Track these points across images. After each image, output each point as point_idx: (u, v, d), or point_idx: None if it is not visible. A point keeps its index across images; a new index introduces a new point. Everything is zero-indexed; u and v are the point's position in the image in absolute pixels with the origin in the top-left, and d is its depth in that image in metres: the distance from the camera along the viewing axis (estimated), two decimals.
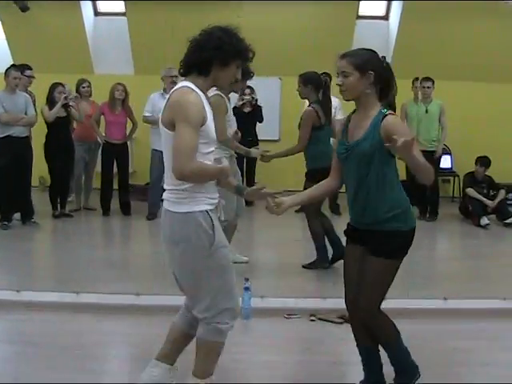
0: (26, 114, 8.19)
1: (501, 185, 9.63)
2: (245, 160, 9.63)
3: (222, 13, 10.17)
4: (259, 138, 10.10)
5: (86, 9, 10.80)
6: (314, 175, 5.98)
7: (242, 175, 9.70)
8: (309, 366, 4.35)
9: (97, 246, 7.95)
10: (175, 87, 3.46)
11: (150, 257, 7.10)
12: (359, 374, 3.88)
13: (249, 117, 9.92)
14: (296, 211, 9.28)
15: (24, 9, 9.79)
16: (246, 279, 5.27)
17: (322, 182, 3.91)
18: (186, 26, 10.08)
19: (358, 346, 3.84)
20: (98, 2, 11.03)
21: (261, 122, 10.12)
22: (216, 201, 3.54)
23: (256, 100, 10.02)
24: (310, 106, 6.50)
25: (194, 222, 3.39)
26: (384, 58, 3.64)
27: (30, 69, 8.81)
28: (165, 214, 3.49)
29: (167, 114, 3.37)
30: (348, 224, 3.77)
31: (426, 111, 9.26)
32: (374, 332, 3.74)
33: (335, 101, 9.33)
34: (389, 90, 3.61)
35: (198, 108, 3.33)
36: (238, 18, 10.07)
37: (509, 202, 10.15)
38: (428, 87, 9.19)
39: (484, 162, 9.37)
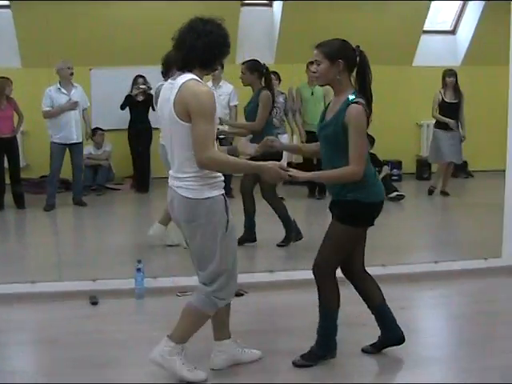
0: None
1: (385, 161, 10.11)
2: None
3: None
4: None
5: None
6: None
7: None
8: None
9: None
10: (183, 80, 3.64)
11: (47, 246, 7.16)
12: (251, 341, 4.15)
13: (142, 105, 10.20)
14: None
15: None
16: (139, 261, 5.47)
17: (314, 143, 4.34)
18: (73, 17, 10.16)
19: (368, 307, 4.33)
20: None
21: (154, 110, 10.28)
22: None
23: (150, 88, 10.13)
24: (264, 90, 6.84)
25: (215, 206, 3.73)
26: (358, 47, 4.01)
27: None
28: (181, 200, 3.74)
29: (182, 107, 3.58)
30: None
31: (312, 93, 9.59)
32: (319, 292, 4.15)
33: (230, 87, 9.66)
34: (363, 77, 4.00)
35: (213, 99, 3.64)
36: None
37: (393, 178, 10.73)
38: (313, 72, 9.47)
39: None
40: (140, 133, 10.34)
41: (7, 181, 9.21)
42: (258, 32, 10.98)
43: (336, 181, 4.02)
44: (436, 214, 9.62)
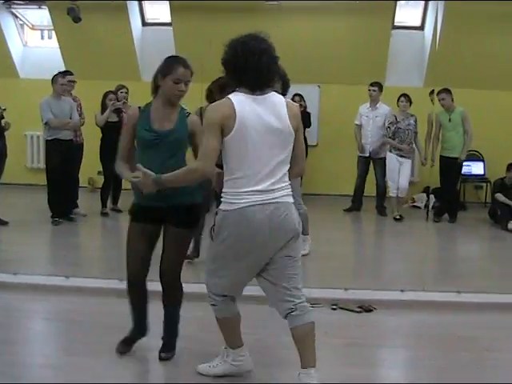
0: (70, 118, 8.73)
1: None
2: None
3: (261, 23, 10.64)
4: None
5: (135, 19, 11.34)
6: None
7: None
8: (328, 347, 4.73)
9: None
10: (285, 99, 3.86)
11: None
12: (371, 355, 4.29)
13: None
14: (345, 210, 10.10)
15: (76, 19, 10.35)
16: None
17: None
18: (227, 36, 10.65)
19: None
20: (145, 12, 11.56)
21: (308, 127, 10.63)
22: None
23: (305, 107, 10.50)
24: None
25: None
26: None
27: (72, 74, 9.24)
28: (289, 207, 3.85)
29: (296, 123, 3.83)
30: None
31: (449, 120, 9.52)
32: (173, 293, 4.43)
33: (386, 108, 9.83)
34: None
35: None
36: (278, 27, 10.53)
37: None
38: (442, 99, 9.47)
39: None
40: None
41: None
42: (407, 55, 11.03)
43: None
44: None
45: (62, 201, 8.89)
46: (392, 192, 9.74)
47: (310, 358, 3.93)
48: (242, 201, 3.71)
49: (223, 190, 3.80)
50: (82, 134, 9.32)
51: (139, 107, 4.31)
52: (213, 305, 4.08)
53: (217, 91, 6.27)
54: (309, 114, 10.69)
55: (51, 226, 8.62)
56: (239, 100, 3.72)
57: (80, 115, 9.21)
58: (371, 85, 9.89)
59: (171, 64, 4.18)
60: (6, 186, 9.44)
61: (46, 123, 8.56)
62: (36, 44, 12.59)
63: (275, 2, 10.15)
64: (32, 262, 6.97)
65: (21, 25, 12.21)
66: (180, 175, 3.89)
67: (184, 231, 4.34)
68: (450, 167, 9.45)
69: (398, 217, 9.55)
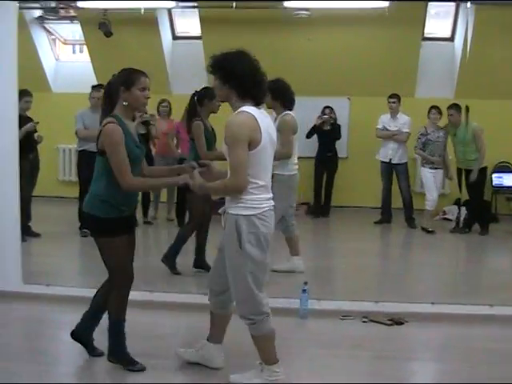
0: None
1: None
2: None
3: (290, 35, 10.71)
4: None
5: (165, 33, 11.45)
6: None
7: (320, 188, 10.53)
8: (357, 360, 4.75)
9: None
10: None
11: None
12: (401, 368, 4.28)
13: (328, 134, 10.63)
14: (375, 222, 9.99)
15: (107, 34, 10.48)
16: (305, 282, 5.70)
17: None
18: (256, 48, 10.72)
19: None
20: (176, 26, 11.66)
21: (338, 139, 10.75)
22: None
23: (335, 119, 10.60)
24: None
25: None
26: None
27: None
28: None
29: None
30: None
31: (455, 135, 9.46)
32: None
33: (406, 118, 9.82)
34: None
35: None
36: (308, 40, 10.58)
37: None
38: (451, 114, 9.41)
39: None
40: (326, 161, 10.76)
41: None
42: (438, 66, 10.99)
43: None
44: None
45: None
46: (430, 207, 9.64)
47: None
48: (261, 205, 4.00)
49: (244, 197, 3.95)
50: None
51: (114, 122, 4.22)
52: (252, 324, 4.12)
53: (205, 100, 6.68)
54: (339, 126, 10.72)
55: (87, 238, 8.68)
56: (257, 114, 3.96)
57: None
58: (390, 97, 9.91)
59: (132, 75, 4.26)
60: (39, 199, 9.53)
61: (76, 133, 8.74)
62: (68, 58, 12.78)
63: (304, 13, 10.15)
64: (64, 273, 7.08)
65: (53, 40, 12.40)
66: (219, 188, 4.11)
67: None
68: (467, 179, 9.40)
69: (430, 229, 9.49)
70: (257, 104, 4.03)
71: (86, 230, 8.71)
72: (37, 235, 8.63)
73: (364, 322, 5.54)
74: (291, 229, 7.06)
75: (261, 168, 3.99)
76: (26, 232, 8.37)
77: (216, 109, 6.67)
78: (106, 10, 10.43)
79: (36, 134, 8.71)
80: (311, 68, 10.66)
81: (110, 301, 4.44)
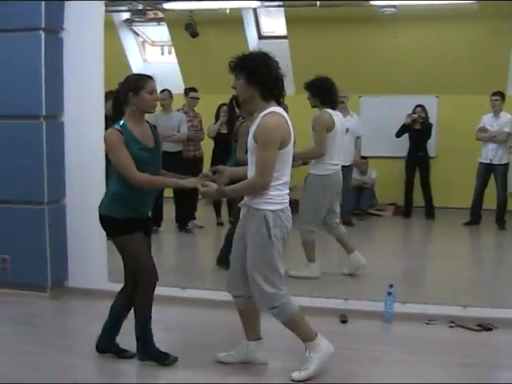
0: (178, 131, 9.06)
1: None
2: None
3: (377, 33, 10.56)
4: None
5: (251, 33, 11.47)
6: None
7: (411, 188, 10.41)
8: (442, 366, 4.61)
9: None
10: None
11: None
12: (488, 375, 4.13)
13: (419, 133, 10.41)
14: (464, 224, 9.74)
15: (194, 35, 10.58)
16: (390, 285, 5.58)
17: None
18: (342, 47, 10.67)
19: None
20: (261, 26, 11.67)
21: (429, 138, 10.55)
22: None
23: (426, 118, 10.41)
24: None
25: None
26: None
27: (196, 91, 9.49)
28: None
29: None
30: None
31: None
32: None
33: (508, 117, 9.55)
34: None
35: None
36: (395, 38, 10.40)
37: None
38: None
39: None
40: (417, 160, 10.54)
41: None
42: None
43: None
44: None
45: (179, 212, 9.21)
46: None
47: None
48: (285, 201, 4.24)
49: (271, 193, 4.14)
50: (201, 148, 9.48)
51: (115, 128, 4.38)
52: (279, 311, 4.31)
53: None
54: (430, 125, 10.48)
55: (169, 236, 8.90)
56: (284, 114, 4.18)
57: (199, 130, 9.44)
58: (493, 94, 9.57)
59: (139, 79, 4.42)
60: None
61: None
62: (156, 60, 12.95)
63: (390, 10, 9.99)
64: None
65: (141, 42, 12.59)
66: (243, 188, 4.24)
67: None
68: None
69: None
70: (279, 104, 4.21)
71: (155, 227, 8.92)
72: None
73: (451, 327, 5.38)
74: (336, 229, 6.90)
75: (286, 166, 4.19)
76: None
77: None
78: (191, 10, 10.53)
79: None
80: (398, 66, 10.46)
81: (136, 301, 4.55)
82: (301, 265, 6.81)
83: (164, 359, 4.56)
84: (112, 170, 4.49)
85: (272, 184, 4.12)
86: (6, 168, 6.15)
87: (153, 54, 13.08)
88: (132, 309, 4.60)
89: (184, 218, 9.25)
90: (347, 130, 9.41)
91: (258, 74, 4.09)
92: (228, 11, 10.49)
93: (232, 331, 4.98)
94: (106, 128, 6.71)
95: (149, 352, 4.57)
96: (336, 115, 6.71)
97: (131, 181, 4.30)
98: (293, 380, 4.30)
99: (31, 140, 6.09)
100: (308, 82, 6.75)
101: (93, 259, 6.24)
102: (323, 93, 6.68)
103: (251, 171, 4.20)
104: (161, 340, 4.70)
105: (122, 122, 4.38)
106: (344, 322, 5.56)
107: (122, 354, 4.72)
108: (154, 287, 4.58)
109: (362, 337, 5.26)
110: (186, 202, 9.12)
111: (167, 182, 4.71)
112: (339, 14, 10.20)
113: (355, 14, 10.22)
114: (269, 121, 4.07)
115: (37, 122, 6.06)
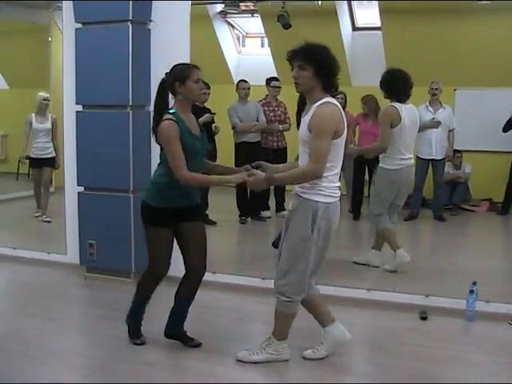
0: (257, 120, 9.14)
1: None
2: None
3: (473, 24, 10.26)
4: None
5: (345, 24, 11.35)
6: None
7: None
8: (495, 364, 4.54)
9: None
10: None
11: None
12: None
13: None
14: None
15: (286, 26, 10.56)
16: (474, 283, 5.45)
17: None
18: (438, 38, 10.41)
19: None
20: (356, 17, 11.54)
21: None
22: None
23: None
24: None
25: None
26: None
27: (277, 80, 9.53)
28: None
29: None
30: None
31: None
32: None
33: None
34: None
35: None
36: (492, 29, 10.08)
37: None
38: None
39: None
40: None
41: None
42: None
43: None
44: None
45: (250, 201, 9.39)
46: None
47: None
48: (337, 194, 4.27)
49: (324, 185, 4.17)
50: (283, 139, 9.49)
51: (172, 120, 4.39)
52: (288, 302, 4.39)
53: None
54: None
55: (250, 227, 9.14)
56: (338, 105, 4.22)
57: (284, 120, 9.44)
58: None
59: (185, 68, 4.46)
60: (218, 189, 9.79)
61: (233, 127, 9.10)
62: (250, 51, 13.00)
63: (486, 1, 9.70)
64: (230, 261, 7.38)
65: (236, 34, 12.67)
66: (292, 176, 4.29)
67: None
68: None
69: None
70: (331, 95, 4.23)
71: (244, 217, 9.24)
72: (213, 223, 8.87)
73: (510, 324, 5.25)
74: (386, 224, 6.77)
75: (338, 157, 4.22)
76: (204, 220, 8.66)
77: None
78: (284, 2, 10.51)
79: (213, 125, 8.94)
80: (496, 58, 10.15)
81: (139, 280, 4.89)
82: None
83: (135, 336, 4.90)
84: (160, 157, 4.59)
85: (324, 174, 4.13)
86: (94, 156, 6.36)
87: (253, 45, 13.13)
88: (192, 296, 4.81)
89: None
90: (438, 123, 9.25)
91: (327, 67, 4.14)
92: (320, 3, 10.43)
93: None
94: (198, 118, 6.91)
95: (128, 322, 4.93)
96: (407, 108, 6.59)
97: (178, 177, 4.38)
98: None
99: (118, 129, 6.25)
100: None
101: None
102: (389, 86, 6.63)
103: (302, 161, 4.23)
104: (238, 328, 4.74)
105: (173, 111, 4.44)
106: (424, 318, 5.49)
107: (188, 342, 4.86)
108: (155, 283, 4.79)
109: (441, 335, 5.16)
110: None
111: (213, 180, 4.78)
112: (434, 5, 9.94)
113: (451, 4, 9.94)
114: (324, 111, 4.11)
115: (124, 111, 6.23)
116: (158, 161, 4.62)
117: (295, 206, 4.29)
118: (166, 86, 4.50)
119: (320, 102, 4.15)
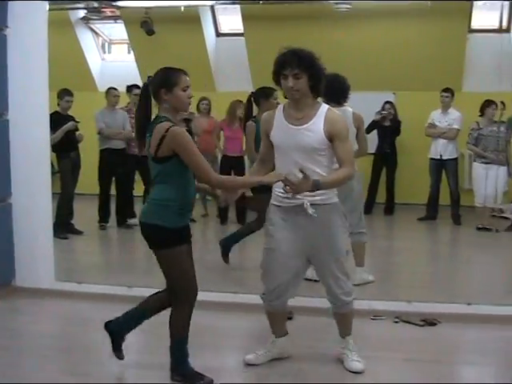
0: (123, 129, 9.17)
1: None
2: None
3: (331, 29, 10.55)
4: None
5: (208, 30, 11.44)
6: None
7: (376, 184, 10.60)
8: (383, 361, 4.63)
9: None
10: None
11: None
12: (431, 370, 4.31)
13: (388, 130, 10.55)
14: (419, 219, 9.91)
15: (149, 32, 10.53)
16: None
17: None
18: (298, 43, 10.61)
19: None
20: (219, 23, 11.65)
21: (398, 135, 10.67)
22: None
23: (395, 115, 10.55)
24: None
25: None
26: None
27: (139, 88, 9.44)
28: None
29: None
30: None
31: None
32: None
33: (457, 114, 9.62)
34: None
35: None
36: (350, 36, 10.43)
37: None
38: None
39: None
40: (384, 157, 10.72)
41: None
42: (486, 59, 10.64)
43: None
44: None
45: (118, 208, 9.43)
46: (477, 202, 9.38)
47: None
48: None
49: None
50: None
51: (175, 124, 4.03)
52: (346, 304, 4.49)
53: (262, 98, 6.60)
54: (399, 122, 10.54)
55: (116, 235, 9.10)
56: None
57: None
58: (444, 91, 9.67)
59: (172, 74, 4.01)
60: (82, 197, 9.62)
61: (98, 132, 9.05)
62: (114, 58, 12.88)
63: (345, 7, 10.02)
64: (97, 271, 7.14)
65: (99, 40, 12.51)
66: (339, 180, 4.16)
67: None
68: None
69: (480, 226, 9.16)
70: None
71: (104, 224, 9.23)
72: (79, 232, 8.74)
73: (395, 322, 5.38)
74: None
75: None
76: (69, 229, 8.51)
77: (273, 107, 6.56)
78: (147, 8, 10.47)
79: (77, 133, 8.79)
80: (353, 62, 10.43)
81: (173, 319, 4.17)
82: None
83: (197, 379, 4.18)
84: (160, 173, 4.00)
85: None
86: None
87: (119, 52, 13.00)
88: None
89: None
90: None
91: (322, 74, 4.19)
92: (182, 9, 10.45)
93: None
94: (54, 124, 6.73)
95: (182, 371, 4.20)
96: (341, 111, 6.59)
97: (208, 181, 4.00)
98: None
99: None
100: None
101: (39, 258, 6.15)
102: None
103: (315, 169, 4.11)
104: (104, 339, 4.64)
105: (166, 118, 3.98)
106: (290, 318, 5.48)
107: (116, 347, 4.39)
108: (193, 306, 4.19)
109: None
110: (120, 198, 9.42)
111: (248, 181, 4.45)
112: (295, 11, 10.17)
113: (310, 10, 10.21)
114: (338, 115, 4.26)
115: None
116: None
117: (325, 216, 4.21)
118: (148, 92, 4.06)
119: (322, 107, 4.24)
